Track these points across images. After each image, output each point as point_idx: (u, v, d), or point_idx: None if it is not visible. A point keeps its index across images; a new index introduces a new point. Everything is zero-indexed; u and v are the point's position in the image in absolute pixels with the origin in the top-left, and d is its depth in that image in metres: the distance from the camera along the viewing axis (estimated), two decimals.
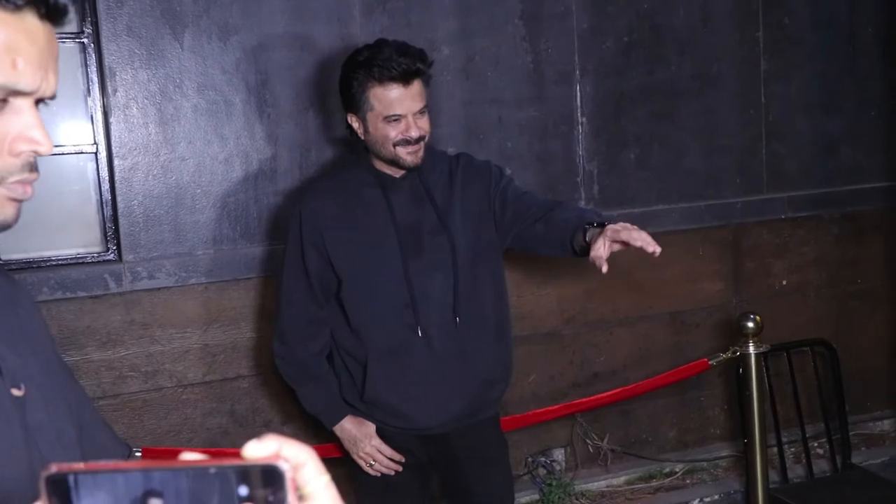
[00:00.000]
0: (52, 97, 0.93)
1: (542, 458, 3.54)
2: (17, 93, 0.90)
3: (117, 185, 2.85)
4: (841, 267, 3.94)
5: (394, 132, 2.32)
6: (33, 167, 0.92)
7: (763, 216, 3.79)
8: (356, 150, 2.53)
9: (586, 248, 2.18)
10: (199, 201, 2.94)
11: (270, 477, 0.57)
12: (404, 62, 2.29)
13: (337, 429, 2.54)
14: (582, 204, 3.41)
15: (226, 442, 3.01)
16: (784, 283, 3.86)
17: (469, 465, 2.60)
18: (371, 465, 2.52)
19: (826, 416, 3.68)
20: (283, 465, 0.58)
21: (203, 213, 2.94)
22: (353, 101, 2.36)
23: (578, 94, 3.39)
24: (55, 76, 0.92)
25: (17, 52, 0.88)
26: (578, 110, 3.41)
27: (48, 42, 0.91)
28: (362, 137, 2.39)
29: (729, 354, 3.21)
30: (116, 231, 2.89)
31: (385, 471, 2.53)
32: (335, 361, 2.55)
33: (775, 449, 3.58)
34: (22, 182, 0.92)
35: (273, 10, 2.96)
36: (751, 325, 3.18)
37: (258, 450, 0.59)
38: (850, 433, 3.78)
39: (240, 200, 2.98)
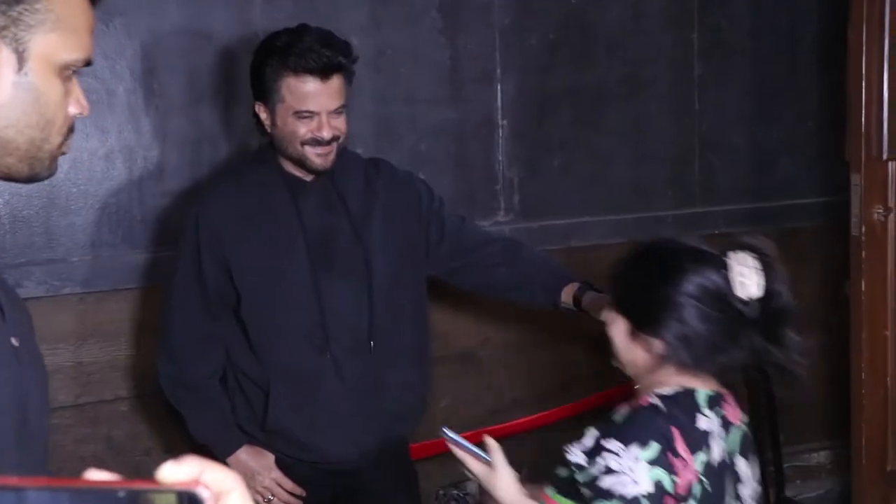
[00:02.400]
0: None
1: (455, 491, 3.50)
2: (86, 65, 1.25)
3: None
4: None
5: (303, 129, 2.27)
6: (73, 128, 1.27)
7: (696, 230, 3.82)
8: (261, 148, 2.48)
9: (573, 308, 2.38)
10: (75, 201, 2.85)
11: None
12: (326, 54, 2.23)
13: (231, 460, 2.45)
14: (501, 216, 3.41)
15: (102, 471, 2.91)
16: None
17: (376, 500, 2.56)
18: (269, 501, 2.45)
19: (760, 448, 3.72)
20: (203, 493, 0.53)
21: (79, 214, 2.86)
22: (263, 89, 2.30)
23: (500, 94, 3.38)
24: None
25: (92, 32, 1.25)
26: (499, 112, 3.41)
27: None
28: (268, 130, 2.32)
29: None
30: None
31: None
32: (229, 384, 2.49)
33: None
34: (69, 139, 1.27)
35: None
36: None
37: (175, 473, 0.55)
38: (785, 465, 3.83)
39: (122, 201, 2.91)
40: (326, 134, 2.27)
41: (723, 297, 1.77)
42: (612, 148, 3.65)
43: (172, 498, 0.53)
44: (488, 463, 1.79)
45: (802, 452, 4.12)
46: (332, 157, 2.32)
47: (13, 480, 0.54)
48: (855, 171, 3.34)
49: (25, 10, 1.17)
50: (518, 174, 3.47)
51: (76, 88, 1.25)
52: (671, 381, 1.78)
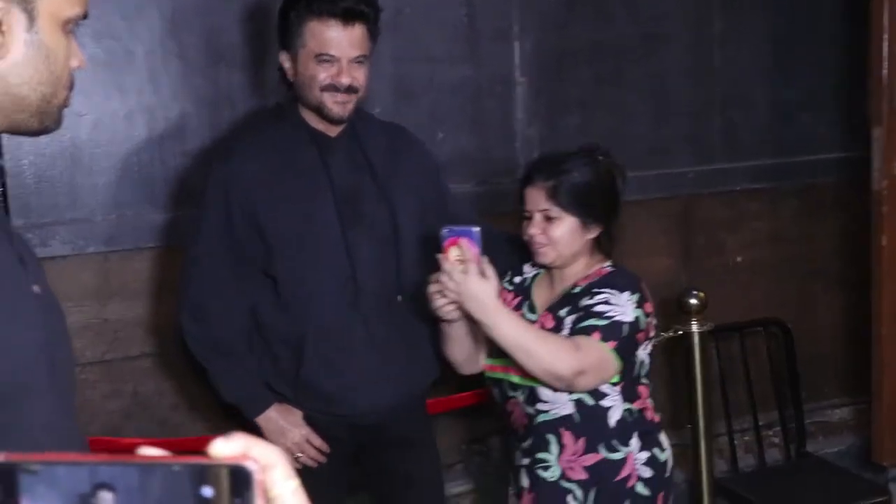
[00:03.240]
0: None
1: (477, 446, 3.55)
2: (79, 21, 1.29)
3: (4, 142, 2.79)
4: (798, 243, 4.00)
5: (323, 74, 2.30)
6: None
7: (716, 187, 3.83)
8: (279, 104, 2.50)
9: None
10: (98, 162, 2.90)
11: (237, 478, 0.58)
12: (351, 1, 2.28)
13: (261, 419, 2.48)
14: (521, 173, 3.41)
15: (129, 426, 2.98)
16: (738, 259, 3.91)
17: (398, 453, 2.63)
18: (297, 458, 2.48)
19: (780, 403, 3.74)
20: (252, 466, 0.58)
21: (102, 175, 2.90)
22: (288, 36, 2.34)
23: (517, 52, 3.39)
24: None
25: None
26: (517, 70, 3.41)
27: None
28: (291, 80, 2.36)
29: (670, 334, 3.23)
30: (4, 194, 2.84)
31: (310, 463, 2.50)
32: (255, 342, 2.52)
33: (725, 437, 3.63)
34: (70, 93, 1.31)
35: None
36: (694, 301, 3.22)
37: (225, 448, 0.59)
38: (807, 421, 3.85)
39: (143, 161, 2.95)
40: (345, 80, 2.30)
41: None
42: (632, 105, 3.64)
43: (225, 471, 0.57)
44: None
45: (825, 408, 4.13)
46: (349, 106, 2.34)
47: (84, 456, 0.59)
48: (876, 125, 3.34)
49: None
50: (537, 132, 3.48)
51: (73, 43, 1.30)
52: (597, 263, 2.35)
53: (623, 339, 2.21)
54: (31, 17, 1.22)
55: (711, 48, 3.76)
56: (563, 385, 2.18)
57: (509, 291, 2.41)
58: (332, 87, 2.30)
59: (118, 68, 2.89)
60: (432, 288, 2.19)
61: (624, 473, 2.29)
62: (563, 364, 2.13)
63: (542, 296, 2.38)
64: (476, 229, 2.14)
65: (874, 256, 3.42)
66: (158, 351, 3.02)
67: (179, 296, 2.53)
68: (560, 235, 2.27)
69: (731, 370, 3.67)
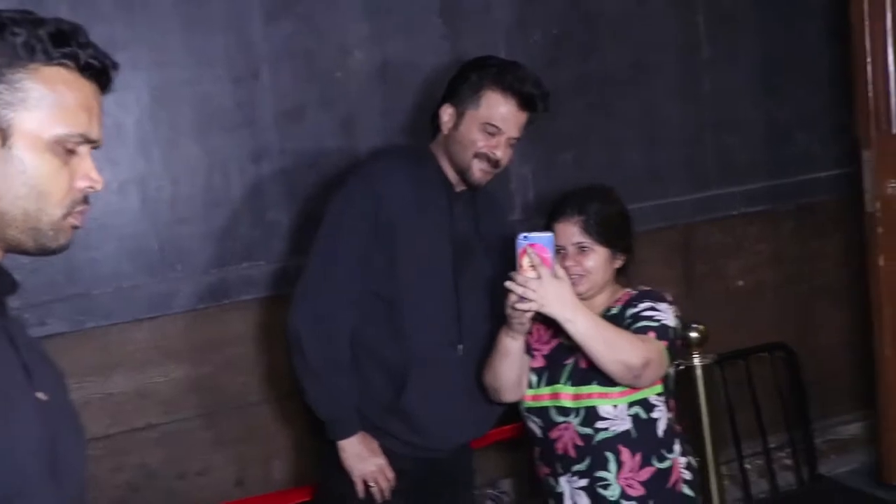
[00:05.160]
0: (100, 144, 1.33)
1: (490, 490, 3.54)
2: (87, 141, 1.30)
3: None
4: (798, 263, 3.99)
5: (482, 142, 2.44)
6: (87, 200, 1.33)
7: (713, 213, 3.82)
8: (414, 147, 2.65)
9: None
10: (93, 235, 2.87)
11: None
12: (532, 87, 2.46)
13: (347, 442, 2.51)
14: (518, 214, 3.42)
15: (136, 498, 2.97)
16: (740, 283, 3.90)
17: (451, 492, 2.75)
18: (370, 488, 2.53)
19: (789, 425, 3.73)
20: None
21: (98, 248, 2.88)
22: (460, 92, 2.46)
23: None
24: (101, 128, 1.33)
25: (89, 110, 1.29)
26: None
27: (99, 101, 1.32)
28: (444, 131, 2.49)
29: (673, 368, 3.22)
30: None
31: (378, 496, 2.54)
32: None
33: (737, 464, 3.62)
34: (81, 212, 1.32)
35: (162, 19, 2.90)
36: (694, 335, 3.22)
37: None
38: (818, 440, 3.85)
39: (138, 232, 2.93)
40: (501, 154, 2.45)
41: None
42: (625, 136, 3.64)
43: None
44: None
45: (835, 426, 4.12)
46: (489, 177, 2.51)
47: None
48: (865, 147, 3.34)
49: (5, 88, 1.24)
50: (531, 171, 3.47)
51: (84, 162, 1.30)
52: (620, 290, 2.48)
53: (671, 340, 2.38)
54: (4, 134, 1.23)
55: (701, 74, 3.75)
56: (630, 376, 2.27)
57: (540, 323, 2.48)
58: (485, 157, 2.45)
59: (109, 141, 2.85)
60: (513, 294, 2.27)
61: (672, 480, 2.42)
62: (637, 353, 2.25)
63: None
64: (549, 234, 2.26)
65: (872, 277, 3.42)
66: (165, 420, 3.00)
67: (299, 302, 2.48)
68: (594, 266, 2.40)
69: (738, 396, 3.67)
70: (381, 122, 3.17)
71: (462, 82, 2.48)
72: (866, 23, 3.23)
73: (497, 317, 2.43)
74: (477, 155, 2.44)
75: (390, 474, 2.54)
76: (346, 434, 2.51)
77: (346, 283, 2.46)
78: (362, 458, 2.51)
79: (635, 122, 3.65)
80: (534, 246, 2.22)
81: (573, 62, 3.51)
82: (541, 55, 3.44)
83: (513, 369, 2.42)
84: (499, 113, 2.43)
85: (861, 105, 3.31)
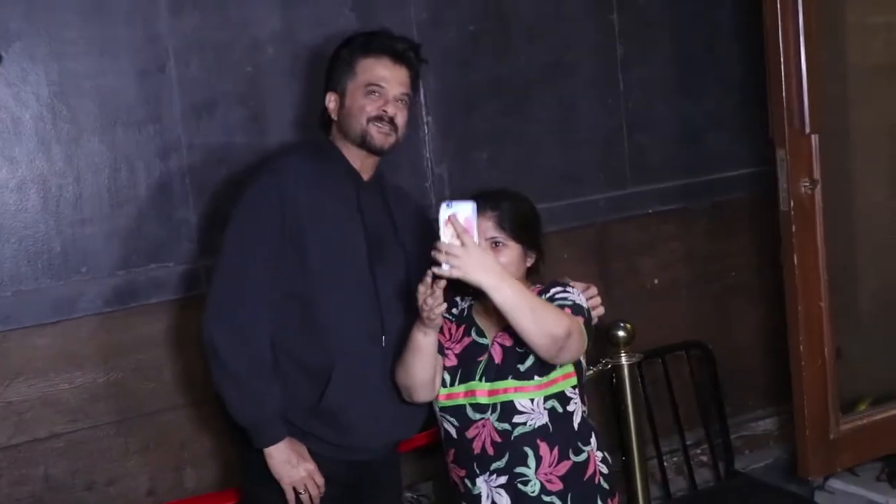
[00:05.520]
0: None
1: (409, 494, 3.49)
2: None
3: None
4: (712, 261, 4.04)
5: (370, 106, 2.44)
6: None
7: (628, 212, 3.83)
8: (318, 141, 2.57)
9: None
10: None
11: None
12: (399, 43, 2.48)
13: (273, 448, 2.42)
14: (433, 212, 3.36)
15: None
16: (655, 281, 3.92)
17: (380, 498, 2.70)
18: (299, 495, 2.46)
19: (706, 422, 3.76)
20: None
21: None
22: (336, 74, 2.48)
23: (422, 91, 3.33)
24: None
25: None
26: (423, 109, 3.36)
27: None
28: (335, 118, 2.50)
29: (599, 367, 3.22)
30: None
31: (307, 502, 2.47)
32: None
33: (655, 461, 3.63)
34: None
35: (64, 11, 2.79)
36: (622, 334, 3.21)
37: None
38: (734, 436, 3.88)
39: (39, 233, 2.81)
40: (391, 110, 2.44)
41: None
42: (540, 136, 3.63)
43: None
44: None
45: (749, 421, 4.17)
46: (391, 139, 2.47)
47: None
48: (780, 146, 3.36)
49: None
50: (447, 169, 3.44)
51: None
52: (530, 287, 2.42)
53: (587, 319, 2.37)
54: None
55: (615, 73, 3.76)
56: (556, 347, 2.23)
57: (451, 322, 2.46)
58: (378, 119, 2.44)
59: (6, 137, 2.74)
60: (421, 288, 2.22)
61: (589, 472, 2.41)
62: (561, 323, 2.22)
63: (485, 321, 2.43)
64: (473, 203, 2.18)
65: (787, 275, 3.44)
66: (71, 429, 2.88)
67: (213, 308, 2.37)
68: (507, 262, 2.36)
69: (656, 393, 3.67)
70: (293, 117, 3.10)
71: (335, 64, 2.50)
72: (779, 23, 3.25)
73: (417, 310, 2.38)
74: (370, 119, 2.44)
75: (320, 480, 2.47)
76: (273, 440, 2.42)
77: (260, 283, 2.38)
78: (292, 463, 2.43)
79: (551, 122, 3.64)
80: (457, 215, 2.15)
81: (489, 61, 3.49)
82: (457, 53, 3.42)
83: (425, 367, 2.37)
84: (375, 73, 2.45)
85: (775, 104, 3.34)
